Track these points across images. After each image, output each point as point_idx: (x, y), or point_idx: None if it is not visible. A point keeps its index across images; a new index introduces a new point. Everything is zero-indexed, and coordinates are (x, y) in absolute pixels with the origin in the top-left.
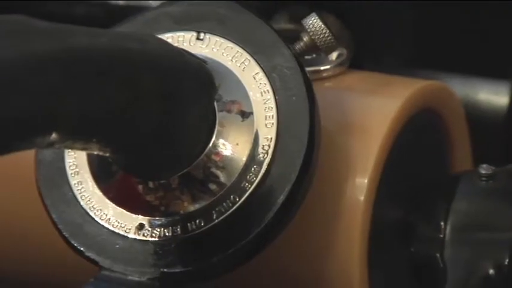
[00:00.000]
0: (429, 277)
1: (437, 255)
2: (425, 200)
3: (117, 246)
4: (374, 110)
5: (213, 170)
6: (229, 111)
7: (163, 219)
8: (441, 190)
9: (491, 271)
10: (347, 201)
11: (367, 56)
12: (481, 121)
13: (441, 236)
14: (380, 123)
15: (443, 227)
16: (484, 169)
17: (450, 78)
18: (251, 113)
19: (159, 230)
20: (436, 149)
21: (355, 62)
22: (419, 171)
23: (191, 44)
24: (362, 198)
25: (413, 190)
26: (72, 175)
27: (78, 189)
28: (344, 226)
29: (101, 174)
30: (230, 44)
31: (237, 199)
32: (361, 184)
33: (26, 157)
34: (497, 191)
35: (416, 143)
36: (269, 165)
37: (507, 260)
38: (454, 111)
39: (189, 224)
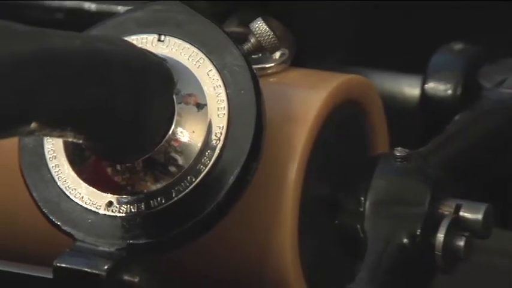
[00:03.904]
0: (352, 247)
1: (359, 226)
2: (348, 178)
3: (90, 221)
4: (306, 101)
5: (173, 154)
6: (186, 103)
7: (129, 197)
8: (362, 170)
9: (405, 240)
10: (281, 180)
11: (309, 55)
12: (397, 110)
13: (362, 209)
14: (309, 113)
15: (363, 202)
16: (399, 152)
17: (373, 73)
18: (205, 105)
19: (125, 206)
20: (358, 134)
21: (298, 61)
22: (343, 154)
23: (153, 45)
24: (293, 177)
25: (339, 170)
26: (50, 159)
27: (55, 171)
28: (279, 201)
29: (75, 158)
30: (187, 45)
31: (194, 179)
32: (292, 165)
33: (8, 145)
34: (410, 171)
35: (341, 129)
36: (221, 150)
37: (419, 231)
38: (373, 101)
39: (151, 201)
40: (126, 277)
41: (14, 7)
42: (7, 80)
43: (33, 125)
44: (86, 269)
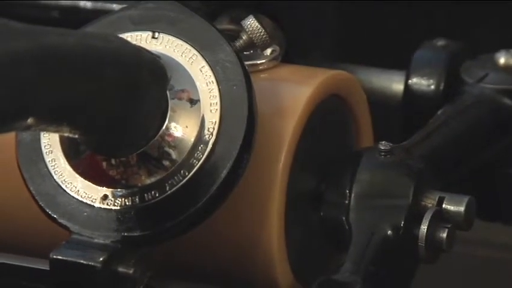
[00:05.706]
0: (337, 238)
1: (343, 218)
2: (333, 171)
3: (85, 214)
4: (294, 95)
5: (166, 148)
6: (179, 98)
7: (124, 191)
8: (347, 163)
9: (389, 232)
10: (269, 172)
11: (297, 52)
12: (381, 105)
13: (346, 202)
14: (296, 107)
15: (348, 194)
16: (383, 145)
17: (358, 69)
18: (198, 100)
19: (120, 200)
20: (343, 128)
21: (287, 57)
22: (329, 147)
23: (147, 42)
24: (280, 169)
25: (324, 163)
26: (47, 153)
27: (51, 166)
28: (266, 193)
29: (71, 152)
30: (180, 42)
31: (187, 173)
32: (279, 157)
33: (5, 140)
34: (394, 164)
35: (327, 123)
36: (214, 144)
37: (403, 223)
38: (357, 96)
39: (145, 195)
40: (120, 269)
41: (10, 6)
42: (4, 76)
43: (29, 120)
44: (82, 261)
